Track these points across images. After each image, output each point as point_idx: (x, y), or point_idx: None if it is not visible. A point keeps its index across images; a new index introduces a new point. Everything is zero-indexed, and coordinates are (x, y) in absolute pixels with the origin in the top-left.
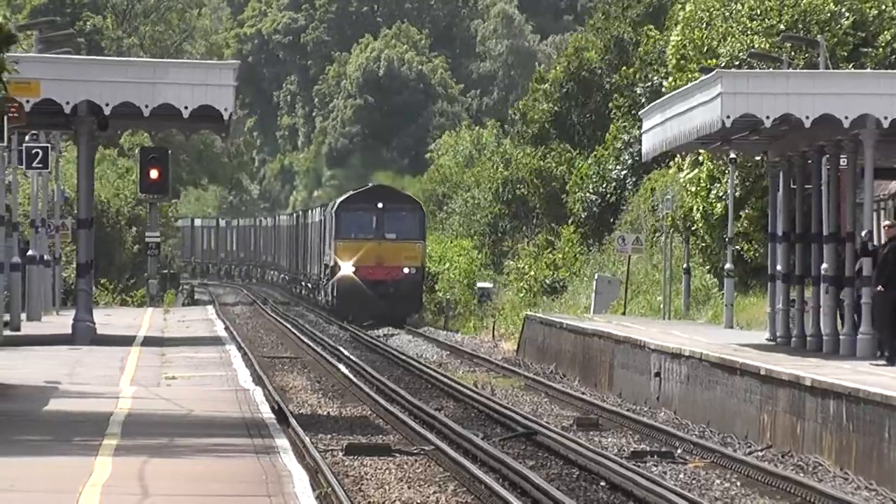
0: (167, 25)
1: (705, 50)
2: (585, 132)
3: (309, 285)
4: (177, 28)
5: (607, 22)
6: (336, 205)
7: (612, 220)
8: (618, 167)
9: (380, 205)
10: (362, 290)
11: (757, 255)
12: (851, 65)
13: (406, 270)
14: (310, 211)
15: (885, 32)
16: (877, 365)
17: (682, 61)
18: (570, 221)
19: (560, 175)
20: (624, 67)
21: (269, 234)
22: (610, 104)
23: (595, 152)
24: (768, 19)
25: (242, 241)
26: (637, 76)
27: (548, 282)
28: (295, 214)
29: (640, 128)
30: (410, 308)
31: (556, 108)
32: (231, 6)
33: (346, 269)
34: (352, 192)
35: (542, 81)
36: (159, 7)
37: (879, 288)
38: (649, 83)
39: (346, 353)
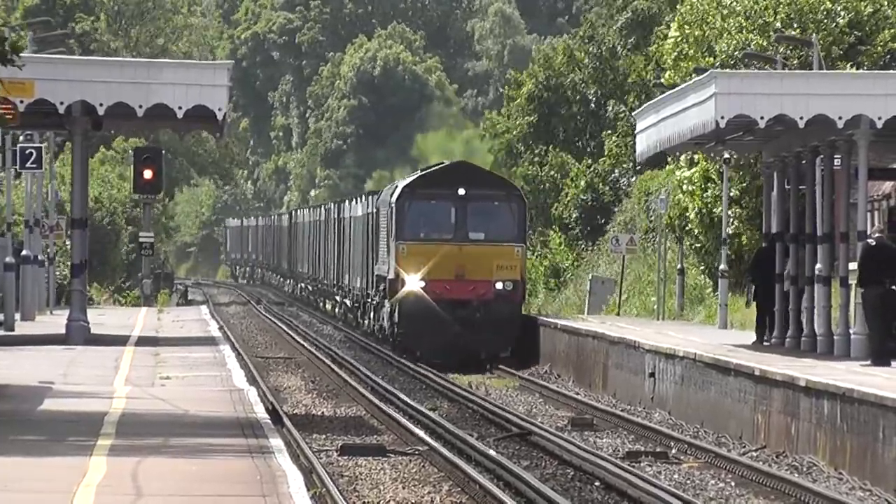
0: (158, 28)
1: (705, 48)
2: (574, 139)
3: (347, 303)
4: (166, 28)
5: (593, 30)
6: (397, 192)
7: (604, 221)
8: (616, 171)
9: (461, 191)
10: (436, 315)
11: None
12: (849, 64)
13: (499, 286)
14: (346, 202)
15: (884, 31)
16: (864, 366)
17: (679, 58)
18: (556, 226)
19: (551, 179)
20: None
21: (282, 234)
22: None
23: (598, 158)
24: (763, 17)
25: (252, 241)
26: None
27: (551, 274)
28: (324, 208)
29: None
30: (504, 340)
31: (532, 120)
32: (222, 8)
33: (413, 283)
34: (421, 173)
35: (517, 89)
36: (150, 10)
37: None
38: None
39: (339, 353)
